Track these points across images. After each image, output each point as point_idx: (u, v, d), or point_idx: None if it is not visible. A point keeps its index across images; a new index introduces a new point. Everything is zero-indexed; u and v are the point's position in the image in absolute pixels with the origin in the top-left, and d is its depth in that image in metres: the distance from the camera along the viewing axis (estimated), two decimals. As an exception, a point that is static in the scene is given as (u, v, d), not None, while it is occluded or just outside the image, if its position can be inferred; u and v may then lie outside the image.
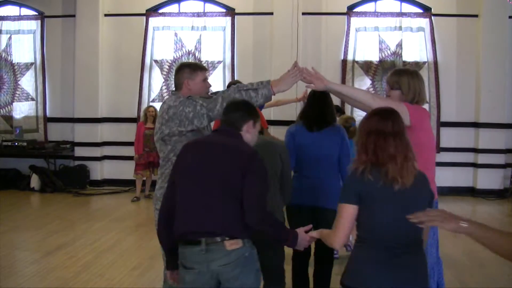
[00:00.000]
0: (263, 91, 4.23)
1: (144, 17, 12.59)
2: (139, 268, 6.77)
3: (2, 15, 13.18)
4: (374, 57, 12.18)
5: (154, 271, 6.67)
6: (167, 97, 12.07)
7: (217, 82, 12.06)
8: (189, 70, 4.54)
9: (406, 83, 4.33)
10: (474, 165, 12.12)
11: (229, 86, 5.64)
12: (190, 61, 12.02)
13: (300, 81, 4.43)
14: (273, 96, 4.39)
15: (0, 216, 9.71)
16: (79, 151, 12.75)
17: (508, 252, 2.80)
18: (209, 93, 4.71)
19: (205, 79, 4.63)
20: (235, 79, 12.13)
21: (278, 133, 11.51)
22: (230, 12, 12.48)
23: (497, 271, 6.93)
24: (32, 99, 13.02)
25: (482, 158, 11.97)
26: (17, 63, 13.03)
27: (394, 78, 4.39)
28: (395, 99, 4.32)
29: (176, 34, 12.50)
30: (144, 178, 11.37)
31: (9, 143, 12.41)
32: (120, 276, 6.47)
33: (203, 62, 12.33)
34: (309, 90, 5.04)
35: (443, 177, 12.02)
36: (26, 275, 6.57)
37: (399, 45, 12.07)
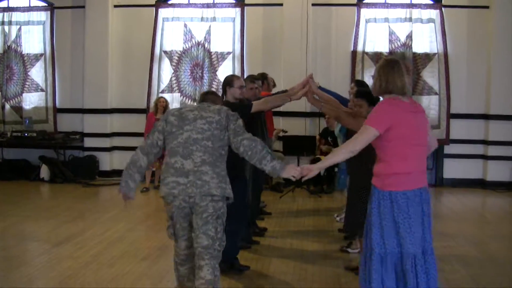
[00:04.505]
0: (274, 163, 4.58)
1: (154, 8, 12.58)
2: (148, 259, 6.78)
3: (12, 6, 13.19)
4: (384, 49, 12.14)
5: (163, 261, 6.69)
6: (176, 88, 12.16)
7: (226, 73, 12.01)
8: None
9: (375, 74, 4.37)
10: (484, 157, 12.08)
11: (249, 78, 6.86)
12: (203, 53, 12.20)
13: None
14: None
15: (10, 206, 9.76)
16: (88, 142, 12.80)
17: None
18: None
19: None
20: (245, 70, 12.13)
21: (289, 125, 11.58)
22: (240, 3, 12.45)
23: (507, 263, 6.92)
24: (42, 90, 13.04)
25: (492, 150, 11.93)
26: (27, 54, 13.06)
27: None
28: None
29: (185, 25, 12.48)
30: (154, 169, 11.38)
31: (19, 134, 12.44)
32: (129, 267, 6.49)
33: (212, 53, 12.36)
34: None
35: (453, 169, 12.07)
36: (36, 265, 6.59)
37: (409, 37, 12.01)
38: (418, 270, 4.23)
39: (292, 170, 4.55)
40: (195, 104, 5.45)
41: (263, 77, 8.87)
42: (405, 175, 4.24)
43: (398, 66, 4.33)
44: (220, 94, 5.39)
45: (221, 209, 4.68)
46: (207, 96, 5.19)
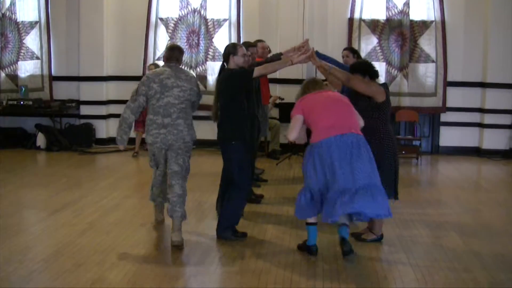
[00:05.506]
0: None
1: (149, -26, 12.45)
2: (145, 226, 6.81)
3: (6, -28, 13.04)
4: (381, 16, 12.07)
5: (159, 229, 6.72)
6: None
7: (223, 40, 11.99)
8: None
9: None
10: (480, 125, 12.09)
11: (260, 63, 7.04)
12: (199, 20, 12.20)
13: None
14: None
15: (7, 174, 9.76)
16: (84, 110, 12.77)
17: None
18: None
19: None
20: (241, 37, 12.05)
21: (285, 92, 11.54)
22: (236, -31, 12.34)
23: (501, 230, 6.97)
24: (37, 58, 12.95)
25: (488, 118, 11.94)
26: (22, 21, 12.91)
27: None
28: None
29: (181, -8, 12.39)
30: (144, 135, 11.33)
31: (15, 102, 12.38)
32: (126, 234, 6.52)
33: (208, 20, 12.27)
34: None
35: (449, 137, 12.08)
36: (33, 232, 6.63)
37: (407, 4, 11.93)
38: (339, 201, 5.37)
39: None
40: (164, 66, 5.99)
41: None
42: (317, 131, 5.65)
43: (313, 83, 6.05)
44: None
45: (189, 146, 6.30)
46: (173, 54, 6.37)
